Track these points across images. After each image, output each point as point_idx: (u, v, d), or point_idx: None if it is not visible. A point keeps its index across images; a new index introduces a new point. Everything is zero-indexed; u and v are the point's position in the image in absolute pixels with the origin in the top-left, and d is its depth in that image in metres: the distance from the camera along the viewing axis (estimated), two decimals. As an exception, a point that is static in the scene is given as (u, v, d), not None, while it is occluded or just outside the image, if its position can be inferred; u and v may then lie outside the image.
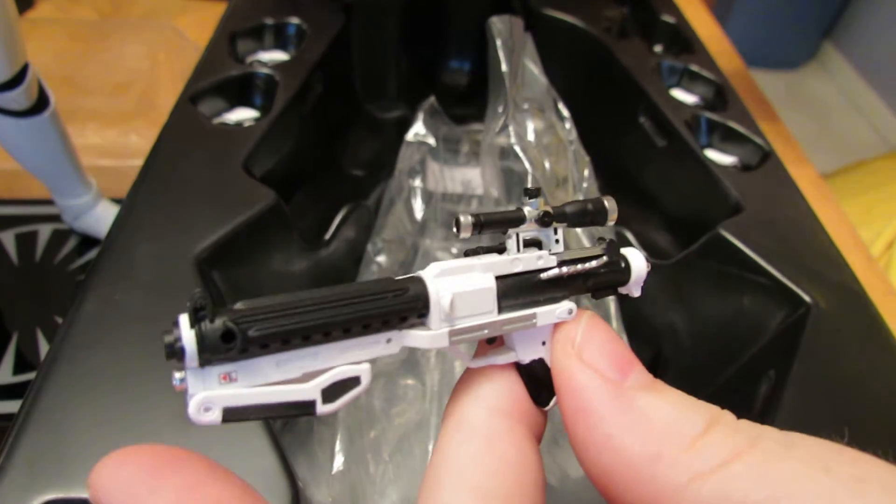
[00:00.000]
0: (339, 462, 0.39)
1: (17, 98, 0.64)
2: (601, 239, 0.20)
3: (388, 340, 0.17)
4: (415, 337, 0.17)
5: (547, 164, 0.45)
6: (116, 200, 0.82)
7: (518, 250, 0.19)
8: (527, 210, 0.19)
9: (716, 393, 0.41)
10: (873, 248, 0.65)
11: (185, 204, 0.38)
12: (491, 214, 0.18)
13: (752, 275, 0.41)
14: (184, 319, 0.15)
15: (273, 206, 0.38)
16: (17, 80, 0.63)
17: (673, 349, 0.46)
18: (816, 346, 0.37)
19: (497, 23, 0.48)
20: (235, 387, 0.15)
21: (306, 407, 0.16)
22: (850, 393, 0.35)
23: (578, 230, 0.46)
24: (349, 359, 0.16)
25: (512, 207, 0.19)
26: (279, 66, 0.47)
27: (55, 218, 0.82)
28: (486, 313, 0.18)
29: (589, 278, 0.19)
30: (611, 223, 0.20)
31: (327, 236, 0.47)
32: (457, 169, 0.52)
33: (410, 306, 0.17)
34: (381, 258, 0.45)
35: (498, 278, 0.18)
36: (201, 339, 0.14)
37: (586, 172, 0.48)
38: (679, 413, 0.17)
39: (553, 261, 0.19)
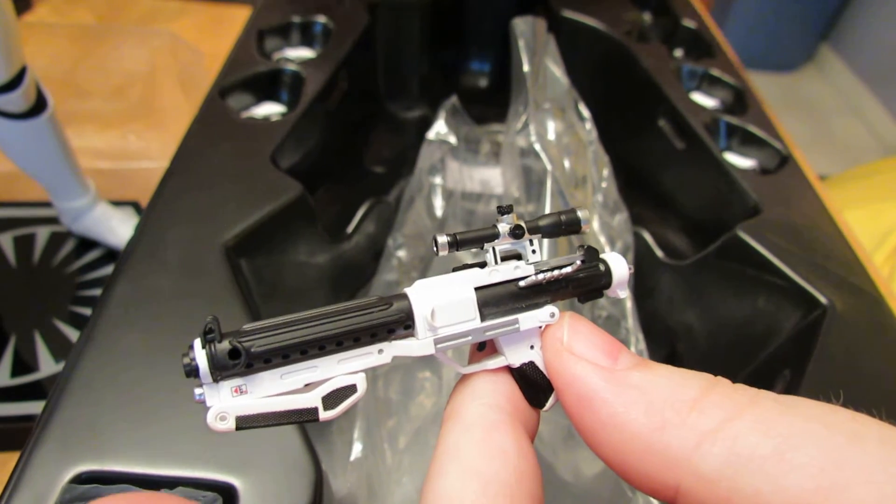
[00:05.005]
0: (356, 451, 0.41)
1: (16, 100, 0.66)
2: (580, 247, 0.22)
3: (380, 351, 0.20)
4: (403, 347, 0.20)
5: (567, 164, 0.47)
6: (115, 202, 0.83)
7: (495, 262, 0.21)
8: (500, 226, 0.21)
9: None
10: (876, 255, 0.67)
11: (214, 193, 0.40)
12: (466, 233, 0.21)
13: (768, 276, 0.43)
14: (197, 343, 0.18)
15: (299, 197, 0.40)
16: (15, 82, 0.65)
17: (688, 348, 0.48)
18: (832, 347, 0.38)
19: (520, 24, 0.50)
20: (246, 398, 0.18)
21: (309, 414, 0.19)
22: (865, 393, 0.37)
23: (600, 236, 0.48)
24: (345, 369, 0.19)
25: (488, 226, 0.21)
26: (305, 63, 0.50)
27: (53, 220, 0.83)
28: (469, 321, 0.20)
29: (569, 283, 0.22)
30: (584, 232, 0.22)
31: (349, 230, 0.48)
32: (476, 168, 0.55)
33: (396, 319, 0.19)
34: (401, 253, 0.47)
35: (477, 289, 0.21)
36: (212, 359, 0.18)
37: (605, 172, 0.50)
38: (675, 382, 0.18)
39: (530, 270, 0.21)
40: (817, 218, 0.46)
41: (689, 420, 0.17)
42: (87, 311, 0.72)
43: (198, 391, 0.18)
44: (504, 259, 0.21)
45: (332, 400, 0.19)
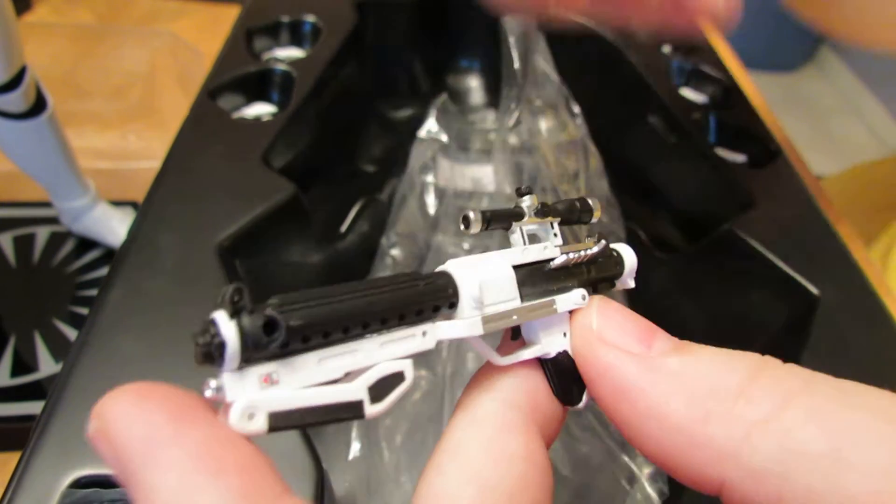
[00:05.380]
0: (355, 449, 0.41)
1: (15, 100, 0.66)
2: (589, 236, 0.21)
3: (424, 334, 0.17)
4: (449, 328, 0.17)
5: (558, 160, 0.47)
6: (114, 202, 0.83)
7: (524, 243, 0.20)
8: (525, 205, 0.20)
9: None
10: (873, 252, 0.67)
11: (206, 194, 0.40)
12: (496, 210, 0.19)
13: (761, 269, 0.43)
14: (221, 316, 0.14)
15: (292, 197, 0.41)
16: (14, 82, 0.65)
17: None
18: (824, 338, 0.39)
19: (510, 21, 0.50)
20: (278, 389, 0.14)
21: (354, 409, 0.15)
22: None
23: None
24: (389, 355, 0.16)
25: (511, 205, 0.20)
26: (295, 62, 0.50)
27: (53, 220, 0.83)
28: (511, 300, 0.18)
29: (591, 268, 0.21)
30: (594, 220, 0.22)
31: (343, 229, 0.49)
32: (468, 166, 0.55)
33: (442, 294, 0.17)
34: (395, 252, 0.47)
35: (514, 268, 0.19)
36: (243, 333, 0.14)
37: (597, 169, 0.50)
38: (717, 366, 0.16)
39: (557, 252, 0.20)
40: (808, 211, 0.47)
41: (735, 410, 0.15)
42: (87, 312, 0.73)
43: (213, 383, 0.14)
44: (531, 241, 0.20)
45: (378, 391, 0.16)
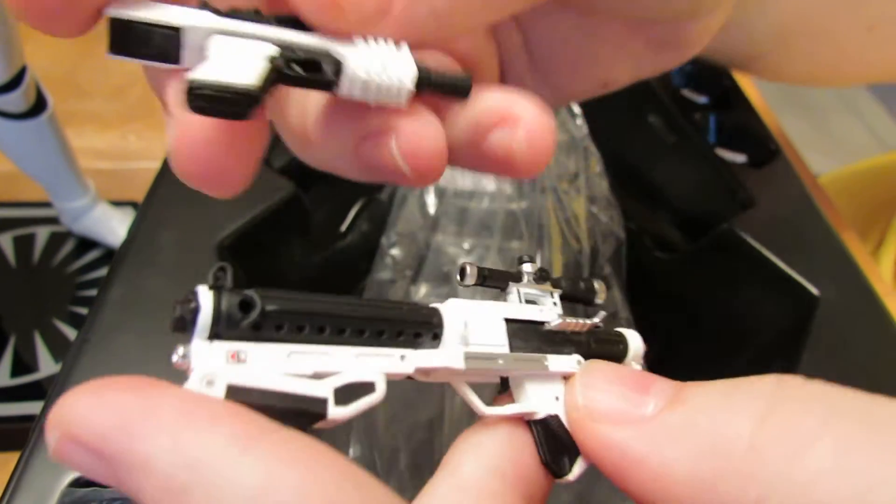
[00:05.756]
0: (354, 452, 0.41)
1: (15, 100, 0.67)
2: (598, 314, 0.21)
3: (402, 357, 0.17)
4: (429, 355, 0.17)
5: (558, 160, 0.47)
6: (114, 202, 0.84)
7: (520, 303, 0.20)
8: (524, 270, 0.20)
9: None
10: (881, 255, 0.67)
11: (205, 194, 0.40)
12: (494, 270, 0.19)
13: (760, 268, 0.43)
14: (202, 288, 0.15)
15: (292, 196, 0.41)
16: (15, 82, 0.65)
17: (682, 341, 0.48)
18: (824, 337, 0.39)
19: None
20: (242, 367, 0.15)
21: (317, 405, 0.15)
22: (858, 384, 0.37)
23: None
24: (362, 367, 0.16)
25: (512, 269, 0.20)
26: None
27: (53, 220, 0.84)
28: (499, 346, 0.18)
29: (591, 341, 0.20)
30: (599, 302, 0.22)
31: (343, 229, 0.49)
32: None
33: (425, 322, 0.17)
34: (395, 251, 0.47)
35: (507, 320, 0.19)
36: (218, 305, 0.14)
37: (597, 168, 0.50)
38: (723, 412, 0.15)
39: (555, 315, 0.20)
40: (808, 210, 0.47)
41: (745, 468, 0.14)
42: (86, 311, 0.73)
43: (181, 350, 0.14)
44: (528, 303, 0.20)
45: (345, 395, 0.15)
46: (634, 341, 0.21)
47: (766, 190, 0.47)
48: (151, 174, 0.42)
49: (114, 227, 0.82)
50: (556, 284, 0.21)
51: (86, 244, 0.84)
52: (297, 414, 0.15)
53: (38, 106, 0.73)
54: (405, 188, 0.50)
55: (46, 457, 0.29)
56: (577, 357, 0.19)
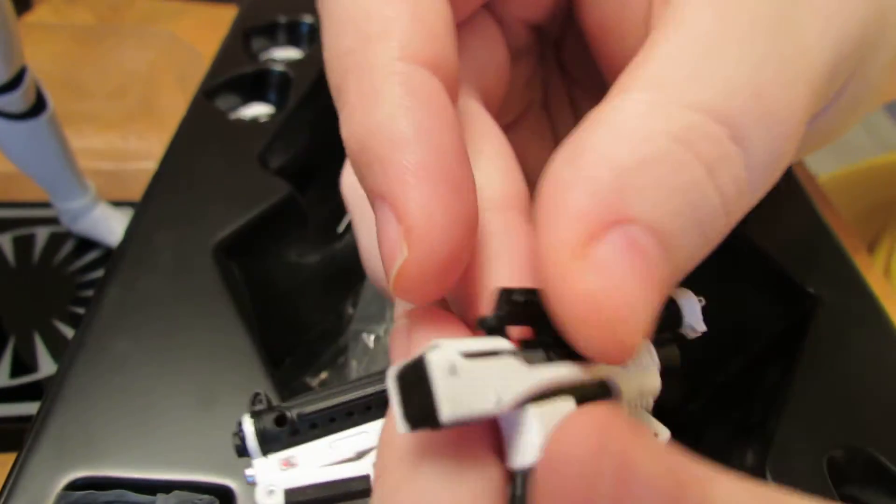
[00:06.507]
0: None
1: (15, 101, 0.67)
2: None
3: None
4: None
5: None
6: (114, 203, 0.83)
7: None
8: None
9: (721, 387, 0.43)
10: (876, 255, 0.67)
11: (202, 194, 0.40)
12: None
13: (759, 269, 0.43)
14: (245, 418, 0.18)
15: (289, 197, 0.41)
16: (14, 82, 0.65)
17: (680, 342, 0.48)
18: (822, 339, 0.39)
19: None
20: (294, 471, 0.17)
21: (362, 482, 0.17)
22: (857, 386, 0.37)
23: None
24: None
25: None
26: (292, 63, 0.50)
27: (53, 221, 0.83)
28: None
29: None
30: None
31: (340, 229, 0.49)
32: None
33: None
34: (393, 252, 0.47)
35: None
36: (261, 430, 0.17)
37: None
38: None
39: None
40: (807, 210, 0.47)
41: None
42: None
43: (248, 472, 0.17)
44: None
45: None
46: (688, 305, 0.20)
47: (766, 190, 0.47)
48: (151, 175, 0.42)
49: (113, 227, 0.82)
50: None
51: (85, 244, 0.84)
52: (347, 496, 0.17)
53: (38, 106, 0.72)
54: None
55: (43, 458, 0.29)
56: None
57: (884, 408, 0.35)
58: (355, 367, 0.44)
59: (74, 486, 0.28)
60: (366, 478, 0.17)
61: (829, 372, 0.37)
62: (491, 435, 0.14)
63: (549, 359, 0.14)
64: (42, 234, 0.83)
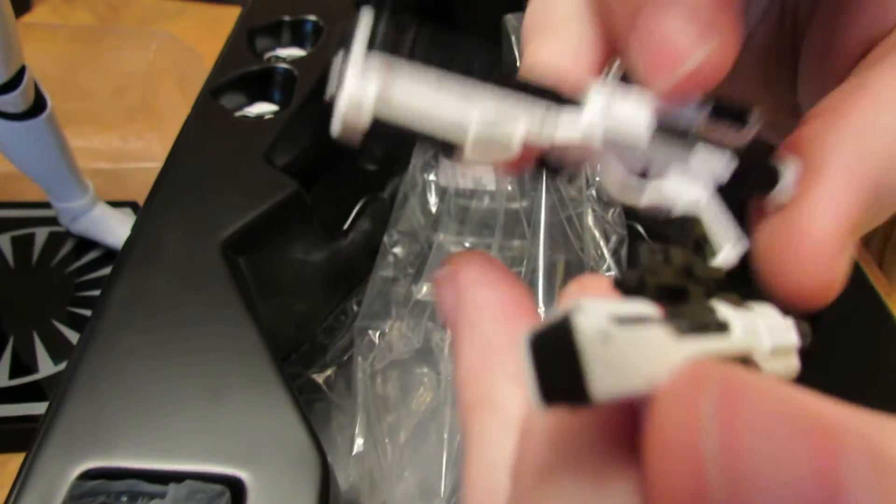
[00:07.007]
0: (358, 445, 0.42)
1: (14, 101, 0.67)
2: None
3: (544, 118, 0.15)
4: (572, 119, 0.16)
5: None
6: (113, 203, 0.84)
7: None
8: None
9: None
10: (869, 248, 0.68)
11: (209, 192, 0.40)
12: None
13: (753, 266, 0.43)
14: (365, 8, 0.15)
15: (294, 194, 0.41)
16: (13, 83, 0.65)
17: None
18: (824, 338, 0.39)
19: (512, 20, 0.51)
20: (397, 76, 0.14)
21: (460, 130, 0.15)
22: (859, 383, 0.37)
23: (595, 230, 0.49)
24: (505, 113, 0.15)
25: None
26: (297, 61, 0.51)
27: (52, 221, 0.83)
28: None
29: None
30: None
31: (345, 227, 0.49)
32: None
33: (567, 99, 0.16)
34: (397, 249, 0.48)
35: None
36: (377, 21, 0.14)
37: (599, 166, 0.50)
38: None
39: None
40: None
41: None
42: (86, 312, 0.73)
43: (338, 59, 0.14)
44: None
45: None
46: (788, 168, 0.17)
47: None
48: (151, 174, 0.42)
49: (112, 227, 0.82)
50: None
51: (85, 244, 0.84)
52: (441, 138, 0.15)
53: (38, 106, 0.73)
54: (406, 187, 0.50)
55: (56, 450, 0.29)
56: (728, 154, 0.16)
57: (884, 403, 0.36)
58: (360, 364, 0.44)
59: (87, 475, 0.28)
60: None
61: (831, 369, 0.37)
62: (629, 427, 0.12)
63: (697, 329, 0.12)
64: (41, 234, 0.83)
